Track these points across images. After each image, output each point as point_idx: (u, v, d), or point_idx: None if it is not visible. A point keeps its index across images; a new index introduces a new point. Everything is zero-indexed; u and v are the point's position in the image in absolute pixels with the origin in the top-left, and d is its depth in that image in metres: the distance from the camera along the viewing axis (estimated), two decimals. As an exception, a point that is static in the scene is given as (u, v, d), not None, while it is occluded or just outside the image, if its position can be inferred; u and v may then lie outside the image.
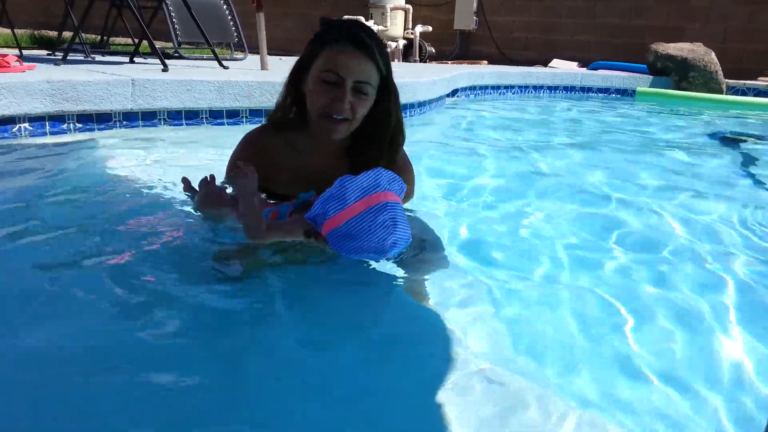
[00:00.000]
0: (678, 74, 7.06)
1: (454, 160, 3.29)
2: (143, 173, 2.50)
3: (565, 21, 9.16)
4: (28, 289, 1.49)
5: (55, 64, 3.95)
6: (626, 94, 7.04)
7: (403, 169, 1.70)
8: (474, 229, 2.16)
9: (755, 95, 6.96)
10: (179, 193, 2.10)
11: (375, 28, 8.18)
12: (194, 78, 3.68)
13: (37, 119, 3.12)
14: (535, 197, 2.66)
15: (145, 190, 2.24)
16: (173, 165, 2.71)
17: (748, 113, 6.18)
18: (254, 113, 3.84)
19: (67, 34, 4.82)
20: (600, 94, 7.06)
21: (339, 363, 1.27)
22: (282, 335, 1.38)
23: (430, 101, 4.95)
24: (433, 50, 9.17)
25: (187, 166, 2.67)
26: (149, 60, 4.67)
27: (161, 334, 1.34)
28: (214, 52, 4.87)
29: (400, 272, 1.61)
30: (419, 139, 3.59)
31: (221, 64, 4.70)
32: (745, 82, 7.15)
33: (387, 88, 1.65)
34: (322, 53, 1.57)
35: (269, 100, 3.79)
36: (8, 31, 5.51)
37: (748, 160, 3.80)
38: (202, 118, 3.70)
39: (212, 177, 1.74)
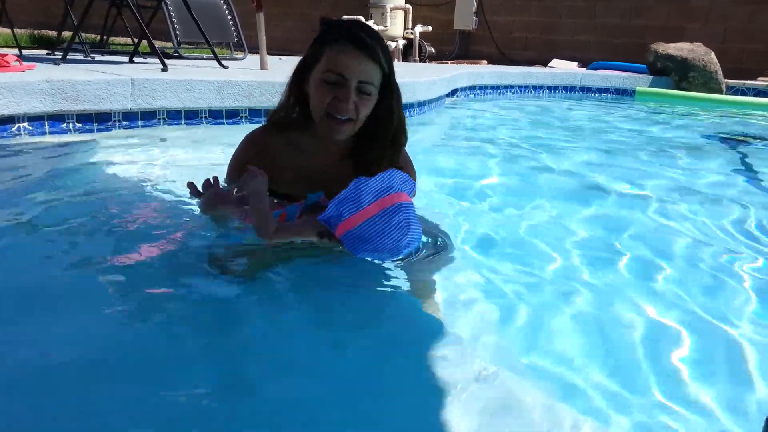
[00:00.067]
0: (678, 74, 7.07)
1: (453, 160, 3.30)
2: (143, 173, 2.50)
3: (565, 21, 9.16)
4: (28, 289, 1.48)
5: (55, 64, 3.95)
6: (626, 94, 7.05)
7: (405, 169, 1.70)
8: (473, 228, 2.16)
9: (755, 95, 6.96)
10: (179, 193, 2.10)
11: (375, 28, 8.17)
12: (194, 78, 3.68)
13: (36, 119, 3.11)
14: (534, 197, 2.65)
15: (145, 190, 2.24)
16: (173, 164, 2.71)
17: (748, 113, 6.18)
18: (254, 113, 3.83)
19: (67, 34, 4.81)
20: (600, 94, 7.06)
21: (340, 363, 1.27)
22: (283, 335, 1.37)
23: (430, 101, 4.95)
24: (433, 50, 9.17)
25: (187, 166, 2.67)
26: (149, 60, 4.67)
27: (161, 334, 1.34)
28: (213, 51, 4.87)
29: (405, 272, 1.61)
30: (419, 139, 3.58)
31: (221, 64, 4.70)
32: (744, 82, 7.15)
33: (389, 87, 1.65)
34: (326, 53, 1.57)
35: (269, 99, 3.78)
36: (8, 30, 5.51)
37: (748, 160, 3.80)
38: (202, 117, 3.70)
39: (215, 179, 1.75)
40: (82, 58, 4.63)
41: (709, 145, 4.37)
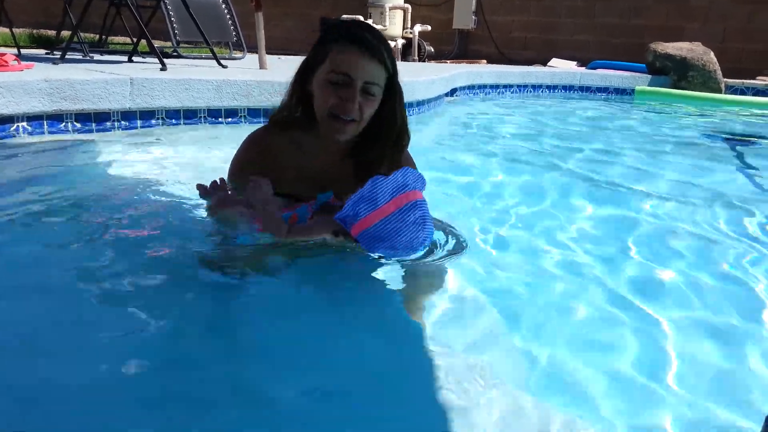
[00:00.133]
0: (677, 73, 7.07)
1: (453, 159, 3.29)
2: (142, 172, 2.50)
3: (565, 21, 9.16)
4: (26, 288, 1.48)
5: (54, 63, 3.94)
6: (625, 93, 7.05)
7: None
8: (473, 227, 2.16)
9: (754, 94, 6.97)
10: (178, 192, 2.10)
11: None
12: (192, 77, 3.67)
13: (35, 118, 3.11)
14: (534, 196, 2.66)
15: (144, 189, 2.24)
16: (171, 164, 2.70)
17: (747, 112, 6.19)
18: (253, 112, 3.83)
19: (66, 33, 4.81)
20: (599, 94, 7.06)
21: (341, 364, 1.27)
22: (283, 335, 1.37)
23: (429, 100, 4.95)
24: (432, 50, 9.17)
25: (186, 165, 2.67)
26: (148, 59, 4.67)
27: (161, 334, 1.34)
28: (212, 51, 4.87)
29: (408, 272, 1.61)
30: (417, 138, 3.56)
31: (220, 63, 4.69)
32: (743, 81, 7.16)
33: (393, 87, 1.65)
34: (330, 54, 1.57)
35: (268, 99, 3.78)
36: (7, 30, 5.50)
37: (748, 159, 3.81)
38: (201, 117, 3.69)
39: (222, 180, 1.75)
40: (80, 57, 4.62)
41: (709, 144, 4.37)
